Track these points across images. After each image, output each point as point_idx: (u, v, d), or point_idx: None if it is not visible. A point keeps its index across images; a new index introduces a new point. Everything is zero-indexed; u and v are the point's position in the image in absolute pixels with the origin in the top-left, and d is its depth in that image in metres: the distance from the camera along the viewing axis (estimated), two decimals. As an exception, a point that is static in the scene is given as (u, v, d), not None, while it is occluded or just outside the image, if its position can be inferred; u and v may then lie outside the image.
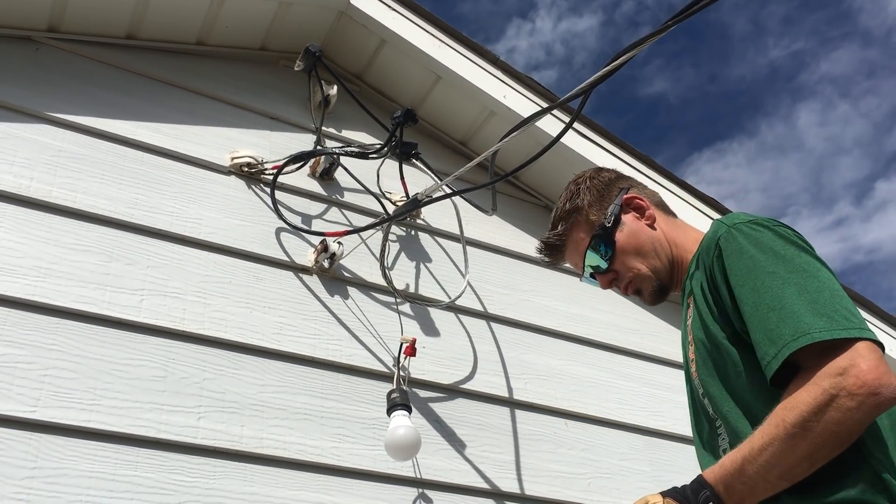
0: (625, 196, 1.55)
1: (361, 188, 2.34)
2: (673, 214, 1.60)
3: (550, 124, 2.45)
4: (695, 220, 2.53)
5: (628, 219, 1.54)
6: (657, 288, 1.51)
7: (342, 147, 2.34)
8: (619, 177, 1.62)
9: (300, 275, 2.07)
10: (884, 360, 1.15)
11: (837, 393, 1.11)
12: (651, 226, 1.55)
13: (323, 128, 2.38)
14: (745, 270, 1.26)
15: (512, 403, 2.16)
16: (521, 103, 2.57)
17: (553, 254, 1.63)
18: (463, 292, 2.25)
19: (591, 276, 1.56)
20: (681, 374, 1.49)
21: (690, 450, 1.47)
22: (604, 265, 1.54)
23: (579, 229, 1.57)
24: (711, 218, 2.71)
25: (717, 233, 1.33)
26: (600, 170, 1.66)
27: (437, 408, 2.02)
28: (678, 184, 2.75)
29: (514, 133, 1.80)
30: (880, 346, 1.16)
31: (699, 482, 1.22)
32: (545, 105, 2.59)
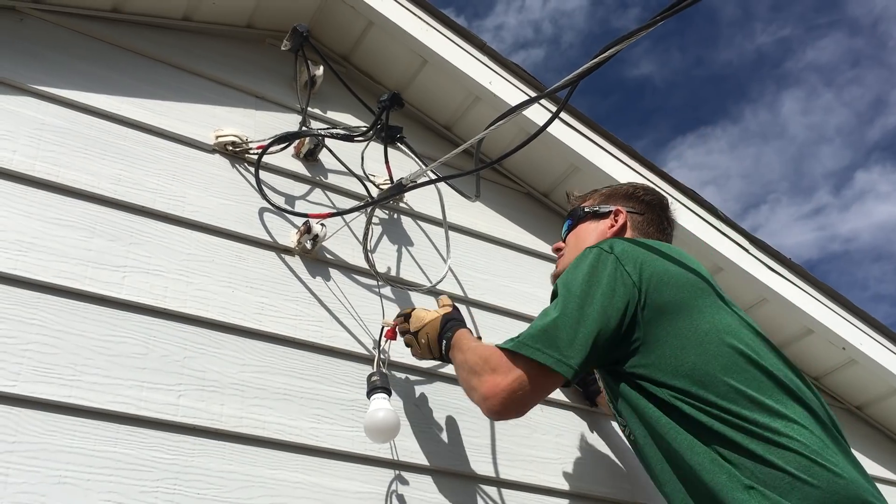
0: (616, 207, 1.98)
1: (346, 170, 2.35)
2: (663, 239, 1.96)
3: (535, 112, 2.46)
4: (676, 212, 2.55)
5: (603, 221, 1.99)
6: (556, 275, 2.01)
7: (327, 129, 2.34)
8: (645, 201, 2.01)
9: (283, 255, 2.08)
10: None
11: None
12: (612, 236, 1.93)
13: (308, 108, 2.38)
14: None
15: (489, 388, 2.18)
16: (507, 90, 2.58)
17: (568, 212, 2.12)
18: (444, 277, 2.26)
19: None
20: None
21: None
22: (561, 234, 2.08)
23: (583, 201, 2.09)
24: (690, 209, 2.75)
25: None
26: (648, 191, 2.05)
27: (416, 391, 2.04)
28: (658, 174, 2.78)
29: (502, 122, 1.81)
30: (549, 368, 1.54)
31: (452, 328, 1.83)
32: (530, 92, 2.60)
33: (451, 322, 1.86)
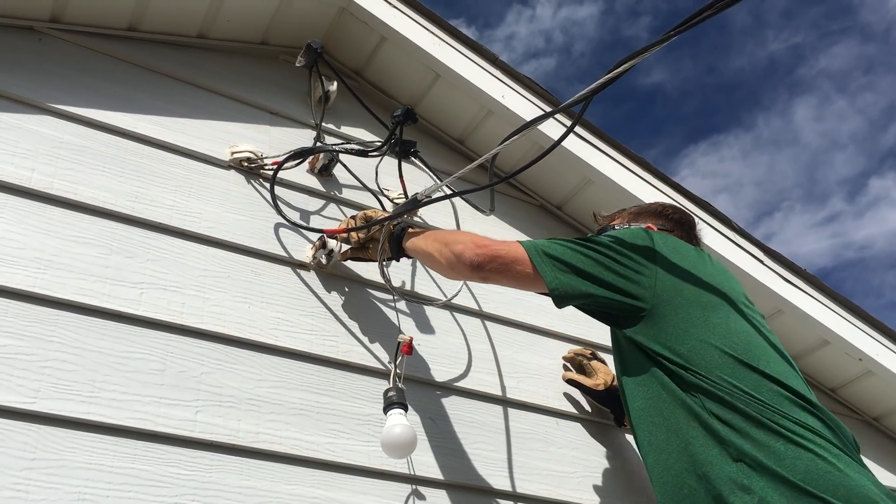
0: (646, 224, 1.95)
1: (360, 185, 2.36)
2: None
3: (549, 126, 2.47)
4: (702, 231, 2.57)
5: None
6: None
7: (342, 144, 2.35)
8: (674, 219, 2.01)
9: (298, 270, 2.09)
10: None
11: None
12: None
13: (323, 123, 2.39)
14: None
15: (505, 402, 2.18)
16: (520, 103, 2.59)
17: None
18: (459, 291, 2.27)
19: None
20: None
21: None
22: None
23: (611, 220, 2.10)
24: (704, 221, 2.74)
25: None
26: (677, 210, 2.07)
27: (432, 405, 2.04)
28: (671, 185, 2.78)
29: (516, 136, 1.82)
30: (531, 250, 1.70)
31: (403, 229, 1.96)
32: (543, 105, 2.61)
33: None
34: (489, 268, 1.71)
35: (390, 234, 1.98)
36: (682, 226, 2.01)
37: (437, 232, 1.92)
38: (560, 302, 1.69)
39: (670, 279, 1.68)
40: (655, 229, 1.93)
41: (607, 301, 1.68)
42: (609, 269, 1.68)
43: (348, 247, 2.09)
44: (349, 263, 2.16)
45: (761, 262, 2.78)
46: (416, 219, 2.41)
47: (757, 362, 1.59)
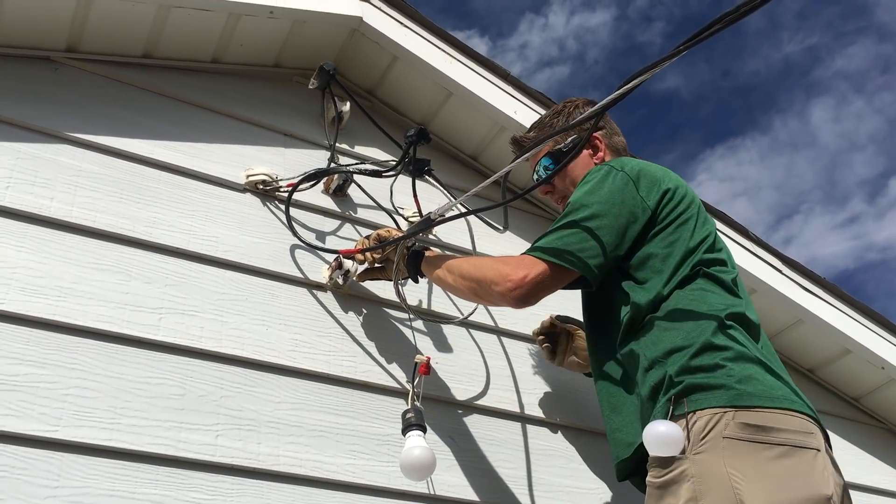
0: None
1: (375, 205, 2.37)
2: (627, 156, 2.03)
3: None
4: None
5: (582, 152, 1.98)
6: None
7: (356, 164, 2.37)
8: (595, 114, 1.97)
9: (314, 291, 2.10)
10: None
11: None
12: (598, 164, 1.96)
13: (336, 144, 2.41)
14: None
15: (523, 418, 2.18)
16: (532, 119, 2.58)
17: (518, 150, 2.08)
18: (475, 309, 2.27)
19: (537, 180, 1.96)
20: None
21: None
22: (543, 175, 2.02)
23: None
24: (721, 231, 2.73)
25: None
26: (588, 102, 2.05)
27: (451, 424, 2.04)
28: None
29: (530, 153, 1.83)
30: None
31: (421, 251, 1.97)
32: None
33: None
34: (534, 301, 1.75)
35: (405, 256, 1.98)
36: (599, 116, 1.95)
37: (459, 264, 1.88)
38: (597, 281, 1.74)
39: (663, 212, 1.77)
40: (598, 136, 2.02)
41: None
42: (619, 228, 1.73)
43: (365, 267, 2.10)
44: (366, 283, 2.16)
45: (779, 271, 2.76)
46: (430, 237, 2.42)
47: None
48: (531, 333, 2.29)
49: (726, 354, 1.55)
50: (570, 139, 2.01)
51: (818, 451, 1.51)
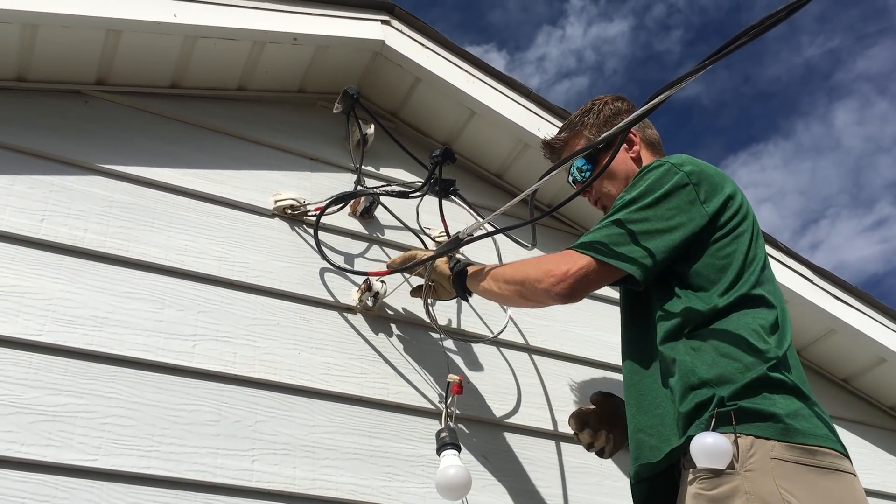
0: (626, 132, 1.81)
1: (402, 226, 2.38)
2: (661, 153, 1.98)
3: (586, 156, 2.47)
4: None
5: (621, 151, 1.91)
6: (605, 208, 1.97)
7: (382, 186, 2.38)
8: (629, 110, 1.98)
9: (345, 314, 2.11)
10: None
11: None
12: (634, 159, 1.96)
13: (362, 166, 2.43)
14: None
15: (556, 436, 2.17)
16: (556, 135, 2.60)
17: (550, 154, 2.10)
18: (506, 326, 2.27)
19: (573, 182, 2.02)
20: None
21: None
22: (579, 178, 2.01)
23: (576, 142, 2.03)
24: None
25: None
26: (617, 98, 2.03)
27: (484, 443, 2.04)
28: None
29: (555, 171, 1.83)
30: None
31: (464, 270, 1.96)
32: (579, 136, 2.61)
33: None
34: (580, 296, 1.71)
35: (449, 277, 1.98)
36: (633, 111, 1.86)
37: (502, 272, 1.86)
38: (646, 282, 1.67)
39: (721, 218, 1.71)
40: (635, 133, 1.96)
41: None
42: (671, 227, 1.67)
43: (407, 288, 2.14)
44: (397, 305, 2.17)
45: (810, 281, 2.74)
46: (458, 256, 2.42)
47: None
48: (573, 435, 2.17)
49: (779, 390, 1.52)
50: (603, 136, 1.85)
51: (855, 475, 1.51)
